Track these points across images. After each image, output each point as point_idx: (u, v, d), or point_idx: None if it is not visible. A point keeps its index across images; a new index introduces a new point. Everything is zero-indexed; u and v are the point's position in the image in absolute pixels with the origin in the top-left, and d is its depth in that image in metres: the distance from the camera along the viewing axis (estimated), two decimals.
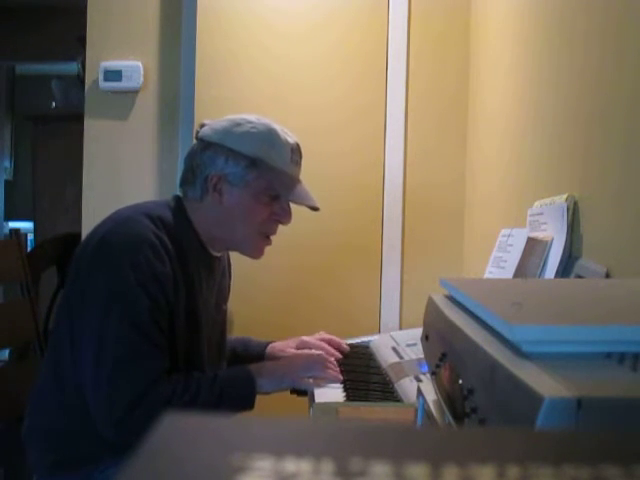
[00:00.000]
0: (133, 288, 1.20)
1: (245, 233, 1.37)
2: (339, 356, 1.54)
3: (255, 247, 1.41)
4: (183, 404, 1.21)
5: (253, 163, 1.33)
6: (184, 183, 1.39)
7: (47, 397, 1.30)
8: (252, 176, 1.33)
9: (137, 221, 1.26)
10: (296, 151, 1.38)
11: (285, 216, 1.39)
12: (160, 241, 1.25)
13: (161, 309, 1.23)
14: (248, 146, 1.33)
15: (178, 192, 1.43)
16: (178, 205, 1.37)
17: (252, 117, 1.38)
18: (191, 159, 1.38)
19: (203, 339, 1.36)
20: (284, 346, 1.58)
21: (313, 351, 1.51)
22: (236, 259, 2.44)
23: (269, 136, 1.34)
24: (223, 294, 1.52)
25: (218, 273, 1.46)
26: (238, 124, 1.35)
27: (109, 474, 1.22)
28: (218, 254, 1.44)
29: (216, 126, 1.37)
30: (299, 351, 1.55)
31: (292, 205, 1.41)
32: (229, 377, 1.31)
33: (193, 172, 1.37)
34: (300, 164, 1.41)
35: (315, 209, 1.41)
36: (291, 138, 1.37)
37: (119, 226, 1.26)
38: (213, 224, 1.36)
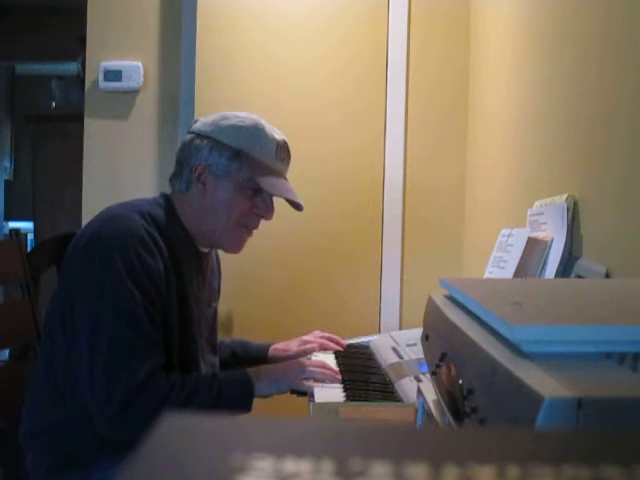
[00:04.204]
0: (125, 284, 1.21)
1: (225, 224, 1.37)
2: (337, 348, 1.56)
3: (234, 239, 1.40)
4: (180, 402, 1.21)
5: (236, 154, 1.34)
6: (173, 176, 1.42)
7: (42, 398, 1.29)
8: (234, 167, 1.34)
9: (127, 217, 1.27)
10: (282, 148, 1.38)
11: (267, 210, 1.39)
12: (151, 236, 1.26)
13: (154, 304, 1.24)
14: (233, 138, 1.35)
15: (169, 188, 1.44)
16: (166, 202, 1.39)
17: (242, 113, 1.40)
18: (180, 151, 1.41)
19: (196, 335, 1.36)
20: (286, 346, 1.58)
21: (313, 358, 1.52)
22: (237, 259, 2.44)
23: (254, 130, 1.35)
24: (213, 292, 1.53)
25: (207, 270, 1.47)
26: (226, 118, 1.38)
27: (108, 475, 1.22)
28: (206, 250, 1.44)
29: (206, 120, 1.40)
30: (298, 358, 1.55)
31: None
32: (227, 378, 1.31)
33: (181, 164, 1.40)
34: (287, 162, 1.40)
35: (298, 207, 1.40)
36: (278, 135, 1.38)
37: (109, 223, 1.27)
38: (197, 216, 1.37)
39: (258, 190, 1.36)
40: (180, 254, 1.33)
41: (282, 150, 1.38)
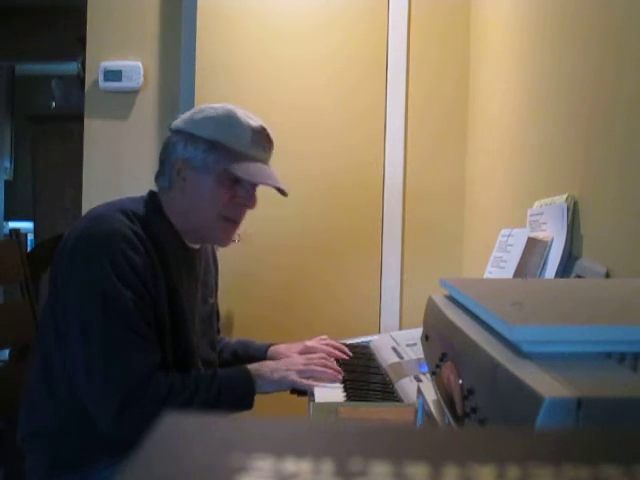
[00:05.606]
0: (113, 283, 1.20)
1: (209, 217, 1.36)
2: (342, 356, 1.53)
3: (220, 232, 1.38)
4: (181, 401, 1.21)
5: (212, 146, 1.33)
6: (157, 175, 1.41)
7: (39, 400, 1.29)
8: (211, 159, 1.33)
9: (110, 217, 1.27)
10: (259, 134, 1.35)
11: (248, 199, 1.37)
12: (135, 234, 1.26)
13: (143, 300, 1.23)
14: (207, 130, 1.34)
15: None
16: (152, 199, 1.38)
17: (218, 104, 1.38)
18: (162, 150, 1.41)
19: (190, 330, 1.36)
20: (286, 350, 1.56)
21: (314, 354, 1.50)
22: (238, 258, 2.43)
23: (227, 119, 1.34)
24: (209, 288, 1.52)
25: (199, 267, 1.46)
26: (201, 110, 1.38)
27: (106, 475, 1.22)
28: (196, 246, 1.43)
29: (184, 115, 1.40)
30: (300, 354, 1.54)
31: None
32: (228, 376, 1.31)
33: (163, 162, 1.39)
34: (267, 148, 1.37)
35: (283, 192, 1.38)
36: (254, 122, 1.36)
37: (93, 224, 1.27)
38: (183, 212, 1.36)
39: (237, 180, 1.34)
40: (167, 250, 1.32)
41: (259, 136, 1.35)
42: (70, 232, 1.30)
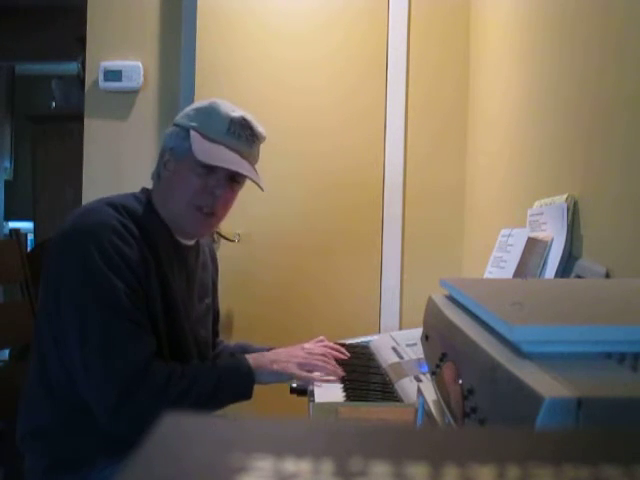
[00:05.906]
0: (105, 274, 1.20)
1: (180, 205, 1.34)
2: (341, 356, 1.53)
3: (192, 221, 1.35)
4: (179, 391, 1.21)
5: (189, 133, 1.33)
6: (154, 171, 1.42)
7: (37, 400, 1.29)
8: (187, 145, 1.33)
9: (99, 210, 1.27)
10: (237, 124, 1.34)
11: (219, 187, 1.33)
12: (124, 226, 1.26)
13: (136, 291, 1.23)
14: (188, 118, 1.36)
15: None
16: (145, 195, 1.39)
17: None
18: None
19: (184, 323, 1.35)
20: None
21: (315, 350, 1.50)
22: (238, 258, 2.43)
23: (208, 108, 1.35)
24: (205, 288, 1.51)
25: (194, 264, 1.45)
26: (191, 104, 1.41)
27: (106, 475, 1.22)
28: (188, 243, 1.42)
29: None
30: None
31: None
32: (228, 366, 1.30)
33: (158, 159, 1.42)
34: (244, 139, 1.35)
35: (259, 186, 1.37)
36: (236, 113, 1.35)
37: (82, 218, 1.27)
38: (163, 202, 1.36)
39: (212, 169, 1.32)
40: (158, 244, 1.32)
41: (237, 126, 1.34)
42: (59, 229, 1.29)
